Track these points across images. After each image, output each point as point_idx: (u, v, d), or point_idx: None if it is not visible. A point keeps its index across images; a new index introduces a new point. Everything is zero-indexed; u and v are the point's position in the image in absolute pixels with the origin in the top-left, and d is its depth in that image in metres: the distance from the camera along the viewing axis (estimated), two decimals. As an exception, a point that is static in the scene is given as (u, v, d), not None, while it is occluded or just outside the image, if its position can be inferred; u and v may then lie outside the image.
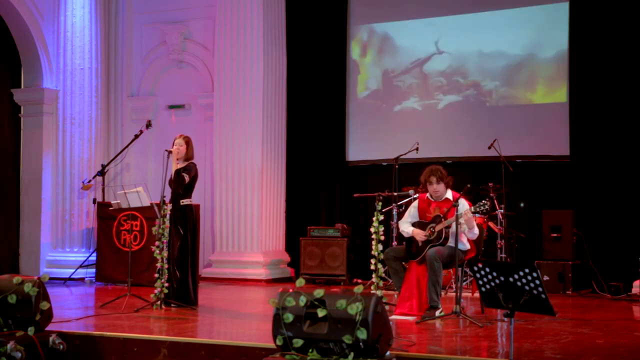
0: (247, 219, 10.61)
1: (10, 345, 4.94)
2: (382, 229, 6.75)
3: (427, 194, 7.04)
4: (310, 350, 4.49)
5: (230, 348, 5.20)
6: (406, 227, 7.00)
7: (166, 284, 7.25)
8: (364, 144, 10.96)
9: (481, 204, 6.58)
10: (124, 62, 11.89)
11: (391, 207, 9.44)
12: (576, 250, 9.25)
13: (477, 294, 7.50)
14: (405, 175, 9.70)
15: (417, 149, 9.42)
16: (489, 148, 9.11)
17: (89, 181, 10.98)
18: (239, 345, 5.20)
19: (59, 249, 11.09)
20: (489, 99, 10.24)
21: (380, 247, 6.71)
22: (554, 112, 9.85)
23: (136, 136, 11.01)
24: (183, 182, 7.43)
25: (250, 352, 5.11)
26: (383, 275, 6.74)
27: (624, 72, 9.36)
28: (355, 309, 4.35)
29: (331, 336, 4.41)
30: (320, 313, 4.43)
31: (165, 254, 7.28)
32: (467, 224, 6.61)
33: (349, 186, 10.88)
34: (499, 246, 9.05)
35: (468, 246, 6.85)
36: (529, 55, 10.00)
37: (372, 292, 5.99)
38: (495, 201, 9.12)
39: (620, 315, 7.16)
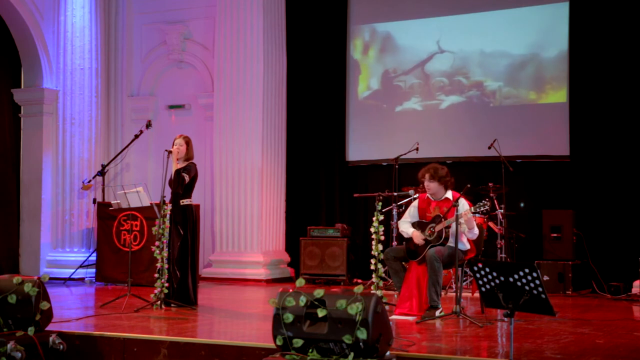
0: (247, 219, 10.61)
1: (10, 345, 4.95)
2: (382, 229, 6.74)
3: (427, 194, 7.05)
4: (310, 350, 4.49)
5: (230, 348, 5.20)
6: (406, 227, 7.00)
7: (166, 284, 7.25)
8: (364, 144, 10.96)
9: (481, 204, 6.58)
10: (124, 62, 11.90)
11: (391, 207, 9.44)
12: (576, 250, 9.25)
13: (477, 294, 7.50)
14: (405, 175, 9.71)
15: (417, 149, 9.42)
16: (489, 148, 9.11)
17: (89, 181, 10.98)
18: (239, 345, 5.20)
19: (59, 249, 11.10)
20: (489, 99, 10.24)
21: (380, 247, 6.71)
22: (554, 112, 9.85)
23: (136, 136, 11.01)
24: (183, 182, 7.43)
25: (250, 352, 5.11)
26: (383, 275, 6.74)
27: (624, 72, 9.36)
28: (355, 309, 4.35)
29: (331, 336, 4.41)
30: (320, 313, 4.44)
31: (165, 254, 7.28)
32: (467, 224, 6.61)
33: (349, 186, 10.88)
34: (499, 246, 9.05)
35: (468, 246, 6.85)
36: (530, 55, 10.00)
37: (372, 292, 5.99)
38: (495, 201, 9.12)
39: (620, 315, 7.15)
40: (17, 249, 11.40)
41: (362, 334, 4.31)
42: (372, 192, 7.57)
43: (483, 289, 4.58)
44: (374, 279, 6.73)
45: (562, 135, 9.71)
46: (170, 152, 7.45)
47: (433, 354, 4.82)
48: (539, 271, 4.30)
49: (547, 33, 9.91)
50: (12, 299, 5.35)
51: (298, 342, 4.50)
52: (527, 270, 4.31)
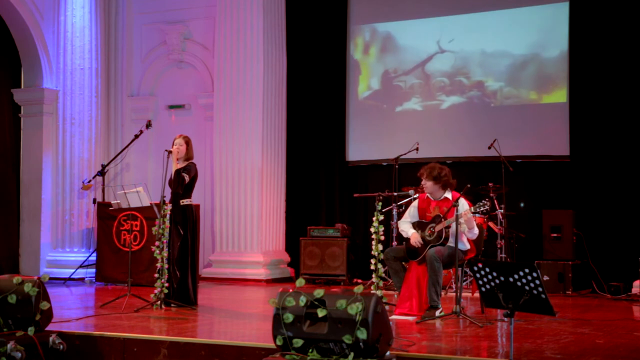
0: (247, 219, 10.61)
1: (10, 345, 4.95)
2: (382, 229, 6.74)
3: (426, 194, 7.05)
4: (310, 350, 4.49)
5: (230, 348, 5.20)
6: (406, 227, 7.00)
7: (166, 284, 7.25)
8: (364, 144, 10.96)
9: (481, 204, 6.57)
10: (124, 62, 11.90)
11: (391, 207, 9.44)
12: (576, 250, 9.25)
13: (477, 294, 7.50)
14: (405, 175, 9.71)
15: (417, 149, 9.42)
16: (489, 148, 9.11)
17: (89, 181, 10.98)
18: (239, 345, 5.20)
19: (59, 249, 11.09)
20: (489, 99, 10.24)
21: (380, 247, 6.71)
22: (554, 112, 9.85)
23: (136, 136, 11.01)
24: (183, 182, 7.43)
25: (250, 352, 5.11)
26: (383, 275, 6.73)
27: (624, 72, 9.36)
28: (355, 309, 4.35)
29: (331, 336, 4.41)
30: (320, 313, 4.44)
31: (165, 254, 7.28)
32: (466, 224, 6.60)
33: (349, 186, 10.88)
34: (499, 246, 9.05)
35: (468, 246, 6.85)
36: (531, 56, 10.00)
37: (372, 292, 5.99)
38: (495, 201, 9.12)
39: (620, 315, 7.15)
40: (17, 249, 11.40)
41: (362, 334, 4.31)
42: (372, 192, 7.57)
43: (483, 289, 4.58)
44: (374, 279, 6.73)
45: (562, 135, 9.71)
46: (170, 152, 7.46)
47: (433, 354, 4.82)
48: (539, 271, 4.30)
49: (547, 33, 9.91)
50: (12, 299, 5.35)
51: (298, 342, 4.50)
52: (527, 270, 4.31)
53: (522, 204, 9.82)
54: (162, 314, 6.92)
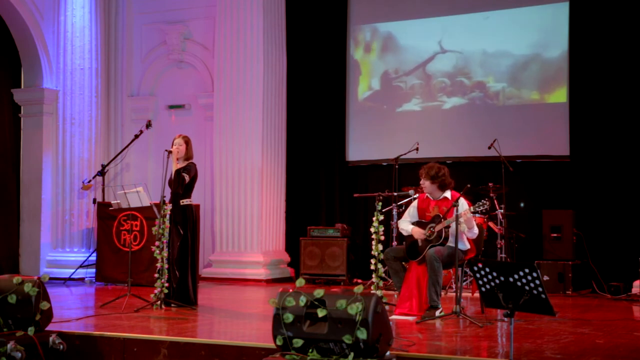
0: (247, 219, 10.61)
1: (10, 345, 4.95)
2: (382, 229, 6.74)
3: (425, 193, 7.05)
4: (310, 350, 4.49)
5: (230, 348, 5.20)
6: (405, 225, 7.00)
7: (166, 284, 7.25)
8: (364, 144, 10.96)
9: (480, 203, 6.57)
10: (124, 62, 11.90)
11: (391, 207, 9.44)
12: (576, 250, 9.25)
13: (477, 294, 7.50)
14: (405, 175, 9.71)
15: (417, 149, 9.42)
16: (489, 148, 9.11)
17: (89, 181, 10.98)
18: (239, 345, 5.20)
19: (59, 249, 11.09)
20: (489, 99, 10.24)
21: (380, 247, 6.71)
22: (554, 112, 9.85)
23: (136, 136, 11.01)
24: (183, 182, 7.43)
25: (250, 352, 5.11)
26: (383, 275, 6.74)
27: (624, 72, 9.36)
28: (355, 309, 4.35)
29: (331, 336, 4.41)
30: (320, 313, 4.44)
31: (165, 254, 7.28)
32: (466, 224, 6.60)
33: (349, 186, 10.88)
34: (499, 246, 9.05)
35: (468, 245, 6.85)
36: (532, 56, 10.00)
37: (372, 292, 5.99)
38: (495, 201, 9.13)
39: (620, 315, 7.15)
40: (17, 249, 11.40)
41: (362, 334, 4.31)
42: (372, 192, 7.57)
43: (483, 289, 4.58)
44: (374, 279, 6.73)
45: (562, 135, 9.71)
46: (170, 152, 7.46)
47: (433, 354, 4.82)
48: (539, 271, 4.30)
49: (547, 33, 9.91)
50: (12, 299, 5.35)
51: (298, 342, 4.50)
52: (527, 270, 4.31)
53: (522, 204, 9.82)
54: (162, 314, 6.92)
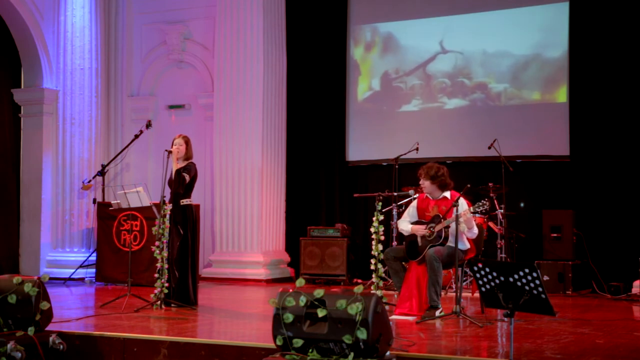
0: (247, 219, 10.61)
1: (10, 345, 4.95)
2: (382, 229, 6.74)
3: (425, 193, 7.06)
4: (310, 350, 4.49)
5: (230, 348, 5.20)
6: (405, 225, 7.00)
7: (166, 284, 7.25)
8: (364, 144, 10.96)
9: (480, 203, 6.57)
10: (124, 62, 11.90)
11: (391, 207, 9.44)
12: (576, 250, 9.25)
13: (477, 294, 7.50)
14: (405, 175, 9.71)
15: (417, 149, 9.42)
16: (489, 148, 9.11)
17: (89, 181, 10.98)
18: (239, 345, 5.20)
19: (59, 249, 11.09)
20: (489, 99, 10.23)
21: (380, 247, 6.71)
22: (554, 112, 9.85)
23: (136, 136, 11.01)
24: (184, 182, 7.43)
25: (250, 352, 5.11)
26: (383, 275, 6.74)
27: (624, 72, 9.36)
28: (355, 309, 4.35)
29: (331, 336, 4.41)
30: (320, 313, 4.43)
31: (165, 254, 7.28)
32: (466, 224, 6.61)
33: (349, 186, 10.88)
34: (499, 246, 9.05)
35: (468, 245, 6.85)
36: (532, 56, 10.00)
37: (372, 292, 5.99)
38: (495, 201, 9.13)
39: (620, 315, 7.15)
40: (17, 249, 11.40)
41: (362, 334, 4.31)
42: (372, 192, 7.57)
43: (483, 289, 4.58)
44: (374, 279, 6.73)
45: (562, 135, 9.71)
46: (170, 152, 7.46)
47: (433, 354, 4.82)
48: (539, 271, 4.30)
49: (548, 33, 9.91)
50: (12, 299, 5.35)
51: (298, 342, 4.50)
52: (527, 270, 4.31)
53: (522, 204, 9.82)
54: (162, 314, 6.92)
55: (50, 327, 5.56)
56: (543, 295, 4.31)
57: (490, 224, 8.88)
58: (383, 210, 6.84)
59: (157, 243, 7.29)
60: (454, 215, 6.50)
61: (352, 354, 4.37)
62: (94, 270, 10.36)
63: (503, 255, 9.03)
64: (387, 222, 9.09)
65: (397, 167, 9.60)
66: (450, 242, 6.69)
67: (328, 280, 10.26)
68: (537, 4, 9.98)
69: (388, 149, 10.28)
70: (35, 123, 11.33)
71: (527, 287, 4.33)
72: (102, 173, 10.95)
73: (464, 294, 7.45)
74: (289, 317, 4.51)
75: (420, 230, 6.82)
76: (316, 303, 4.48)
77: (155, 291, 7.22)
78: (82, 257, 10.82)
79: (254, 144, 10.64)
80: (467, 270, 7.46)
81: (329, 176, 11.17)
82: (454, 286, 7.86)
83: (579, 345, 5.31)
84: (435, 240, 6.76)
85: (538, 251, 9.39)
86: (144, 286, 8.62)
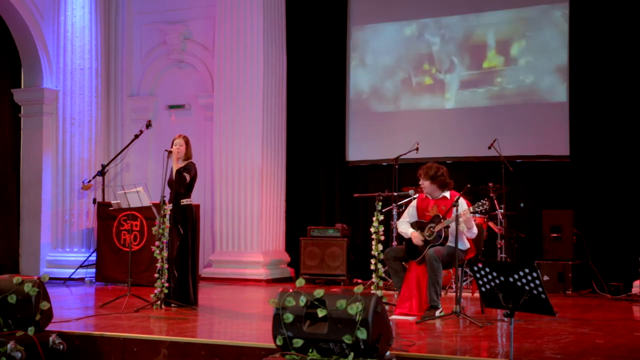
0: (247, 219, 10.61)
1: (10, 345, 4.95)
2: (382, 229, 6.74)
3: (424, 193, 7.06)
4: (310, 350, 4.49)
5: (230, 348, 5.20)
6: (405, 227, 7.00)
7: (166, 284, 7.25)
8: (364, 144, 10.96)
9: (480, 203, 6.57)
10: (124, 62, 11.90)
11: (391, 207, 9.44)
12: (576, 250, 9.25)
13: (477, 294, 7.50)
14: (405, 175, 9.71)
15: (417, 149, 9.42)
16: (489, 148, 9.11)
17: (89, 181, 10.98)
18: (239, 345, 5.20)
19: (59, 249, 11.10)
20: (489, 99, 10.23)
21: (380, 247, 6.71)
22: (554, 112, 9.85)
23: (136, 136, 11.01)
24: (184, 182, 7.43)
25: (250, 352, 5.11)
26: (383, 275, 6.74)
27: (624, 72, 9.36)
28: (355, 309, 4.35)
29: (331, 336, 4.41)
30: (320, 313, 4.43)
31: (165, 254, 7.28)
32: (465, 224, 6.61)
33: (349, 186, 10.88)
34: (499, 246, 9.05)
35: (468, 245, 6.85)
36: (531, 55, 9.99)
37: (372, 292, 5.99)
38: (495, 201, 9.13)
39: (620, 315, 7.15)
40: (17, 249, 11.40)
41: (362, 334, 4.31)
42: (372, 192, 7.57)
43: (483, 289, 4.58)
44: (374, 279, 6.73)
45: (562, 135, 9.71)
46: (170, 152, 7.46)
47: (433, 354, 4.82)
48: (539, 271, 4.30)
49: (548, 33, 9.91)
50: (12, 299, 5.35)
51: (298, 342, 4.50)
52: (527, 270, 4.31)
53: (522, 204, 9.82)
54: (162, 314, 6.92)
55: (50, 327, 5.56)
56: (543, 295, 4.31)
57: (490, 224, 8.88)
58: (383, 210, 6.84)
59: (157, 243, 7.29)
60: (453, 215, 6.50)
61: (352, 354, 4.37)
62: (94, 270, 10.36)
63: (503, 255, 9.04)
64: (387, 222, 9.09)
65: (397, 167, 9.60)
66: (450, 242, 6.69)
67: (328, 280, 10.26)
68: (537, 4, 9.98)
69: (388, 149, 10.28)
70: (35, 123, 11.33)
71: (527, 287, 4.33)
72: (102, 173, 10.95)
73: (464, 294, 7.45)
74: (289, 317, 4.51)
75: (418, 240, 6.81)
76: (316, 303, 4.48)
77: (155, 291, 7.23)
78: (82, 257, 10.82)
79: (254, 144, 10.65)
80: (467, 270, 7.46)
81: (329, 176, 11.17)
82: (454, 286, 7.86)
83: (579, 345, 5.31)
84: (435, 240, 6.76)
85: (538, 251, 9.39)
86: (144, 286, 8.62)
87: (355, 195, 8.64)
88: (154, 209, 7.63)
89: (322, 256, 10.32)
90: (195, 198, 7.78)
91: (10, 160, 11.42)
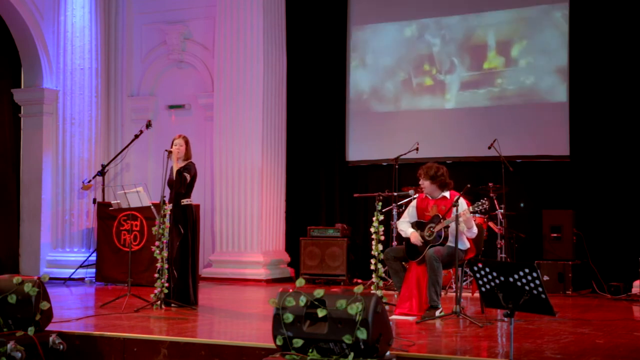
0: (247, 219, 10.61)
1: (10, 345, 4.95)
2: (382, 229, 6.74)
3: (424, 193, 7.06)
4: (310, 350, 4.49)
5: (230, 348, 5.20)
6: (405, 227, 7.00)
7: (166, 284, 7.25)
8: (364, 144, 10.96)
9: (479, 203, 6.57)
10: (124, 62, 11.90)
11: (391, 207, 9.44)
12: (576, 250, 9.25)
13: (477, 294, 7.50)
14: (405, 175, 9.71)
15: (417, 149, 9.42)
16: (489, 148, 9.11)
17: (89, 181, 10.98)
18: (239, 345, 5.20)
19: (59, 249, 11.09)
20: (490, 99, 10.23)
21: (380, 247, 6.71)
22: (554, 112, 9.85)
23: (136, 136, 11.01)
24: (185, 182, 7.44)
25: (250, 352, 5.11)
26: (383, 275, 6.74)
27: (624, 72, 9.36)
28: (355, 309, 4.35)
29: (331, 336, 4.41)
30: (320, 313, 4.44)
31: (165, 254, 7.28)
32: (465, 223, 6.61)
33: (349, 186, 10.88)
34: (499, 246, 9.05)
35: (468, 245, 6.85)
36: (531, 56, 9.99)
37: (372, 292, 5.99)
38: (495, 201, 9.12)
39: (620, 315, 7.15)
40: (17, 249, 11.40)
41: (362, 334, 4.31)
42: (372, 192, 7.57)
43: (483, 289, 4.58)
44: (374, 279, 6.73)
45: (562, 135, 9.71)
46: (170, 152, 7.46)
47: (433, 354, 4.82)
48: (539, 271, 4.30)
49: (548, 33, 9.91)
50: (12, 299, 5.35)
51: (298, 342, 4.50)
52: (527, 270, 4.31)
53: (522, 204, 9.82)
54: (162, 314, 6.92)
55: (50, 327, 5.56)
56: (543, 295, 4.31)
57: (490, 224, 8.88)
58: (383, 210, 6.84)
59: (157, 243, 7.29)
60: (453, 215, 6.50)
61: (352, 354, 4.37)
62: (94, 270, 10.36)
63: (503, 255, 9.04)
64: (387, 222, 9.09)
65: (397, 167, 9.60)
66: (450, 242, 6.69)
67: (328, 280, 10.26)
68: (537, 4, 9.98)
69: (388, 149, 10.28)
70: (35, 123, 11.33)
71: (527, 287, 4.33)
72: (102, 173, 10.95)
73: (464, 294, 7.45)
74: (289, 317, 4.51)
75: (417, 240, 6.81)
76: (316, 303, 4.48)
77: (155, 291, 7.23)
78: (82, 257, 10.82)
79: (254, 144, 10.65)
80: (467, 270, 7.46)
81: (329, 176, 11.17)
82: (454, 286, 7.86)
83: (579, 345, 5.31)
84: (435, 240, 6.76)
85: (538, 251, 9.39)
86: (144, 286, 8.62)
87: (355, 195, 8.65)
88: (153, 209, 7.63)
89: (322, 256, 10.32)
90: (195, 198, 7.78)
91: (10, 160, 11.42)
